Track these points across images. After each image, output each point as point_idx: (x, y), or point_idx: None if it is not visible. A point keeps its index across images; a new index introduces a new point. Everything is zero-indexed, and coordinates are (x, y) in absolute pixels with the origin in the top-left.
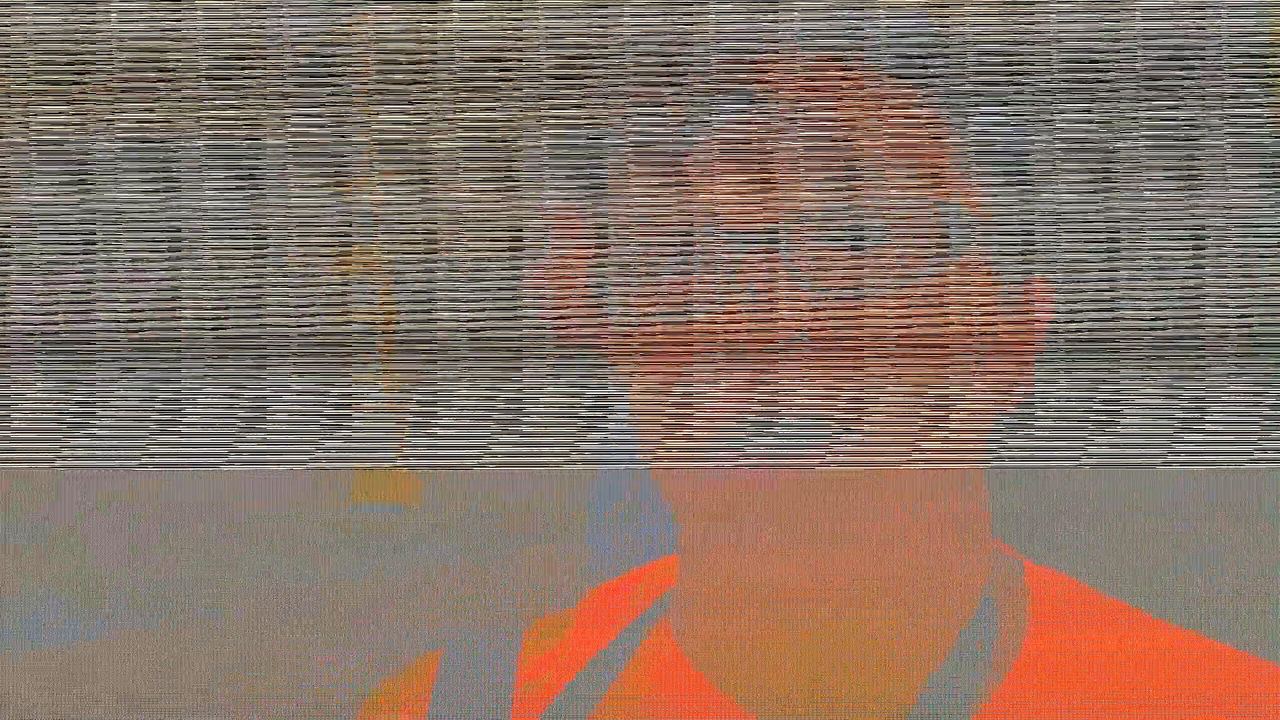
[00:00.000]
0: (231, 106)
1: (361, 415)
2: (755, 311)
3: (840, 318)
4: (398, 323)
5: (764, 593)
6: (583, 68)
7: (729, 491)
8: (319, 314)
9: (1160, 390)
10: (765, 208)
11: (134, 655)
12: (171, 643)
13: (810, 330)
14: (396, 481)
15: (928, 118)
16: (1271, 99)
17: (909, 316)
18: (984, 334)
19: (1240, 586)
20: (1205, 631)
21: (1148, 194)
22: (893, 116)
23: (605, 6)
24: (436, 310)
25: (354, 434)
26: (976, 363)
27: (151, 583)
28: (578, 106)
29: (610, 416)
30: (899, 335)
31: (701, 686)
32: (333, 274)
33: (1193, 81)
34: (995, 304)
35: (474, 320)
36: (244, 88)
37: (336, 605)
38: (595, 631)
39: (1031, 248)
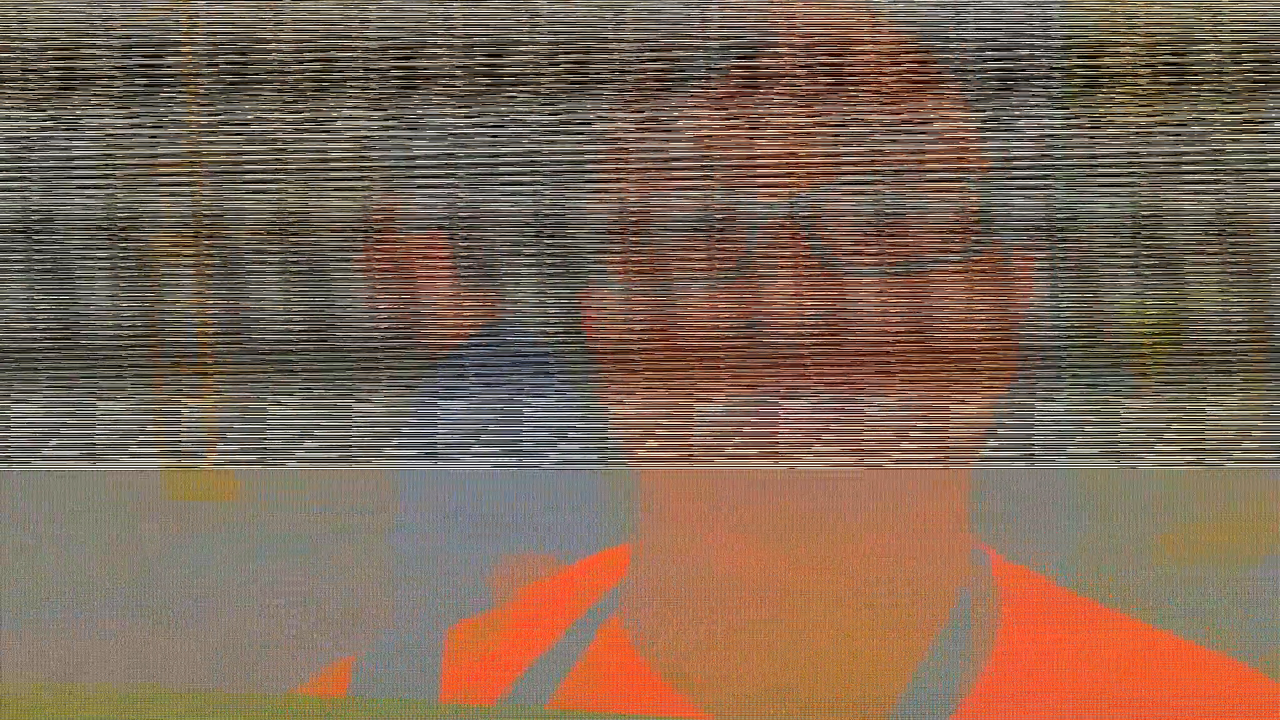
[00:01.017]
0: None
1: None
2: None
3: (828, 315)
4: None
5: (731, 590)
6: (576, 60)
7: (693, 485)
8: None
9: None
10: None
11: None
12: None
13: (793, 329)
14: (213, 479)
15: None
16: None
17: (901, 315)
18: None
19: (1204, 582)
20: (1174, 629)
21: None
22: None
23: None
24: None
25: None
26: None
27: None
28: (565, 100)
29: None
30: (888, 333)
31: (663, 692)
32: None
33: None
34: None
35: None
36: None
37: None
38: (533, 631)
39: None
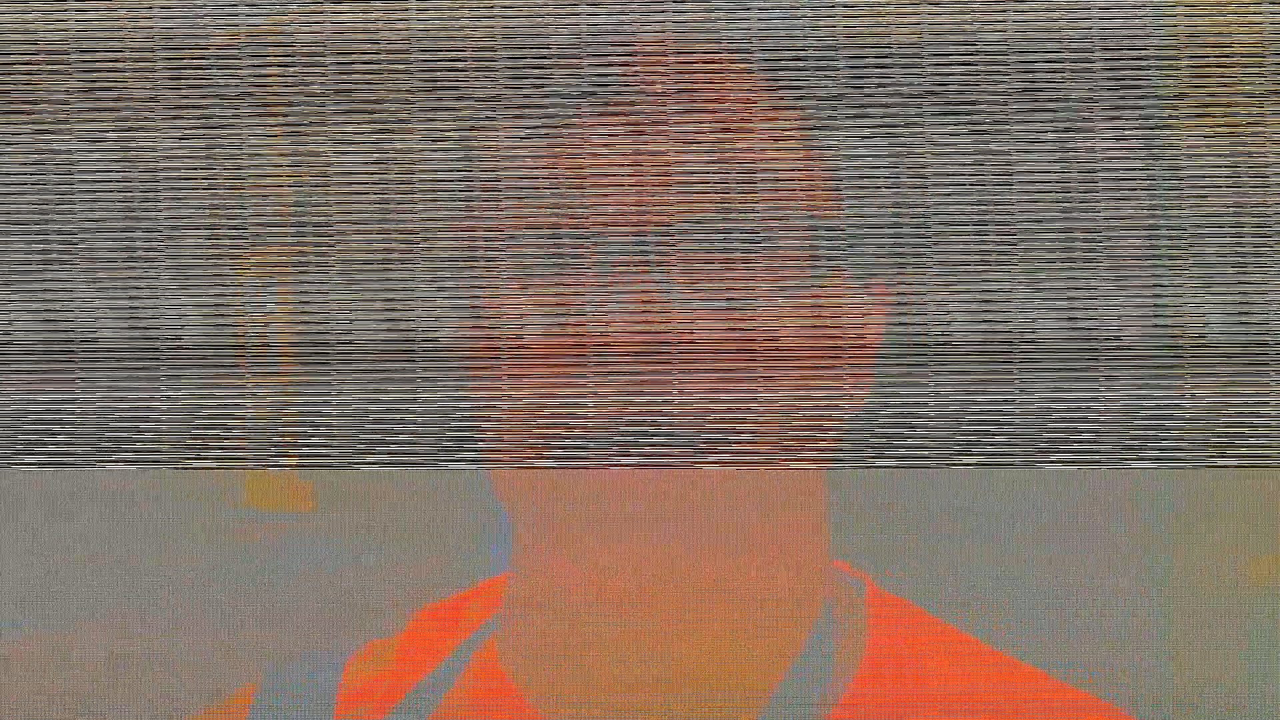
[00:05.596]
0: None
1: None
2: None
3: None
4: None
5: (597, 607)
6: (459, 71)
7: (567, 498)
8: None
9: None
10: (639, 212)
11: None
12: (48, 644)
13: (675, 335)
14: (290, 487)
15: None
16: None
17: (784, 321)
18: (828, 338)
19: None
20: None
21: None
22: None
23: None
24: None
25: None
26: (818, 367)
27: (32, 581)
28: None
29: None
30: (758, 340)
31: (523, 709)
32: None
33: (1068, 89)
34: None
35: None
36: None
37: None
38: (422, 655)
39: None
